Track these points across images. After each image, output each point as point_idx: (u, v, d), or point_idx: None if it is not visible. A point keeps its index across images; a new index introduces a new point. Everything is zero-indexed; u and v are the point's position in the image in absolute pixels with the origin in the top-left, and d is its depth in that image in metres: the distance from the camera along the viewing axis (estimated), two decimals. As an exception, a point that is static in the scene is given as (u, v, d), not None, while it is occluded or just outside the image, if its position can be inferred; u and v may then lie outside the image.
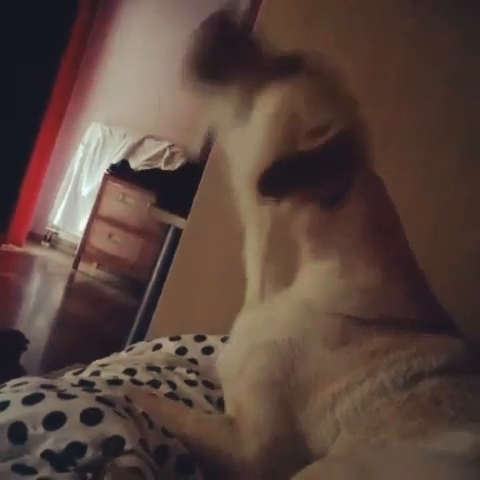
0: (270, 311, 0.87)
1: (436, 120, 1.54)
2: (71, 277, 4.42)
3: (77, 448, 0.60)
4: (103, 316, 3.76)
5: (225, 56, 0.88)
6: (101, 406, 0.64)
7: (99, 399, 0.66)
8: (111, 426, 0.62)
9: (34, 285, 4.12)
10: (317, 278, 0.84)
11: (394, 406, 0.71)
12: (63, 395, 0.65)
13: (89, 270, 4.61)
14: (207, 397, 0.99)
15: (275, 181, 0.82)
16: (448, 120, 1.52)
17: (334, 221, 0.83)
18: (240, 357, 0.85)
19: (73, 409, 0.63)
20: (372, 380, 0.74)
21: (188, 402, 0.94)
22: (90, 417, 0.63)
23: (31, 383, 0.69)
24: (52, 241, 4.97)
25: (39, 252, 4.75)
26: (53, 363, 2.47)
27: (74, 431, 0.61)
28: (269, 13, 1.63)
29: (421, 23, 1.56)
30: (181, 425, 0.80)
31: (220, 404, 0.98)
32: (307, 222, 0.84)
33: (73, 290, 4.31)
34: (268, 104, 0.86)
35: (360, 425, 0.72)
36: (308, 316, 0.82)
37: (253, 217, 0.91)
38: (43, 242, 4.95)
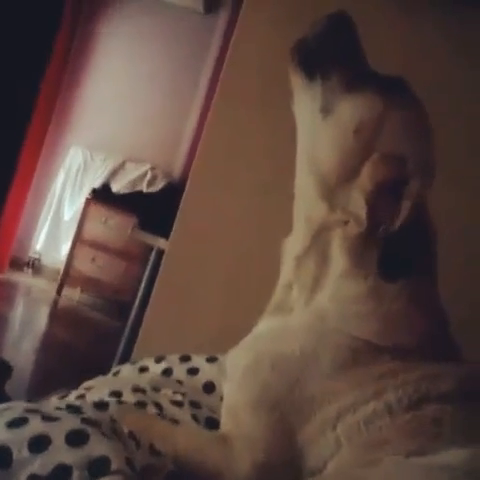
0: (286, 322, 0.86)
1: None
2: (55, 303, 4.38)
3: (63, 470, 0.60)
4: (89, 340, 3.72)
5: (333, 51, 0.88)
6: (86, 427, 0.64)
7: (84, 420, 0.66)
8: (97, 447, 0.62)
9: (18, 312, 4.07)
10: (341, 296, 0.83)
11: (396, 426, 0.72)
12: (47, 417, 0.65)
13: (73, 295, 4.57)
14: (194, 417, 0.98)
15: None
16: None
17: (376, 247, 0.81)
18: (246, 362, 0.84)
19: (58, 431, 0.63)
20: (378, 400, 0.74)
21: (175, 422, 0.94)
22: (75, 438, 0.62)
23: (15, 407, 0.69)
24: (35, 267, 4.92)
25: (22, 278, 4.70)
26: (39, 389, 2.44)
27: (60, 453, 0.61)
28: (246, 33, 1.66)
29: (410, 29, 1.59)
30: (173, 442, 0.80)
31: (208, 423, 0.98)
32: (351, 240, 0.83)
33: (57, 316, 4.26)
34: (358, 111, 0.84)
35: (361, 442, 0.72)
36: (321, 332, 0.81)
37: (304, 214, 0.89)
38: (25, 268, 4.90)
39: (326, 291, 0.84)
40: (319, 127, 0.86)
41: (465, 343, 0.86)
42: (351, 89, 0.85)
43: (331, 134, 0.85)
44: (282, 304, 0.90)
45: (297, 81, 0.90)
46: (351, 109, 0.85)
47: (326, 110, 0.86)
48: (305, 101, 0.89)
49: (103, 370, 1.25)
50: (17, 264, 4.85)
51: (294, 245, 0.90)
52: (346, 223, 0.84)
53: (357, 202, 0.82)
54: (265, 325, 0.90)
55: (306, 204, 0.89)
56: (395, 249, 0.80)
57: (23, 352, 3.20)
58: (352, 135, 0.83)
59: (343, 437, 0.73)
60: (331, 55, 0.88)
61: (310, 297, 0.86)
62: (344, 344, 0.79)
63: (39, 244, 4.87)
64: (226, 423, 0.84)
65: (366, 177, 0.82)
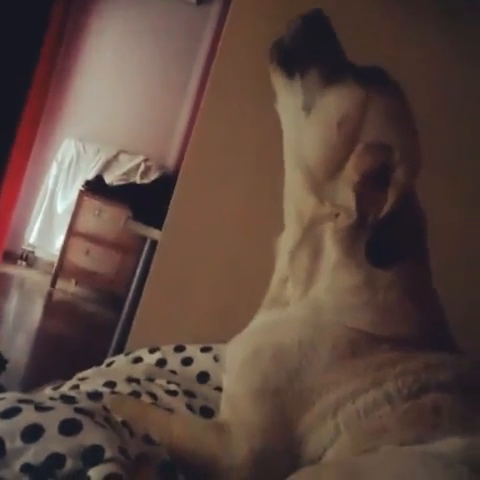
0: (283, 314, 0.86)
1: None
2: (49, 295, 4.37)
3: (56, 459, 0.60)
4: (83, 333, 3.72)
5: (309, 48, 0.89)
6: (79, 416, 0.64)
7: (77, 410, 0.66)
8: (90, 436, 0.62)
9: (12, 305, 4.06)
10: (336, 288, 0.83)
11: (396, 414, 0.73)
12: (40, 407, 0.65)
13: (67, 287, 4.56)
14: (189, 406, 0.99)
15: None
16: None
17: (367, 237, 0.81)
18: (244, 355, 0.84)
19: (51, 420, 0.63)
20: (378, 389, 0.75)
21: (170, 411, 0.94)
22: (68, 428, 0.63)
23: (8, 398, 0.69)
24: (29, 260, 4.91)
25: (15, 271, 4.69)
26: (34, 381, 2.44)
27: (53, 442, 0.61)
28: (236, 25, 1.65)
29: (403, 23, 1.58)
30: (169, 429, 0.80)
31: (202, 413, 0.98)
32: (342, 231, 0.83)
33: (52, 308, 4.26)
34: (340, 103, 0.85)
35: (360, 430, 0.73)
36: (318, 324, 0.82)
37: (295, 209, 0.90)
38: (19, 261, 4.89)
39: (321, 283, 0.85)
40: (303, 124, 0.87)
41: (465, 342, 0.87)
42: (331, 82, 0.86)
43: (315, 129, 0.86)
44: (278, 298, 0.90)
45: (278, 81, 0.92)
46: (333, 102, 0.86)
47: (308, 107, 0.87)
48: (287, 99, 0.90)
49: (97, 362, 1.25)
50: (11, 257, 4.84)
51: (287, 241, 0.91)
52: (336, 216, 0.84)
53: (346, 194, 0.83)
54: (261, 319, 0.91)
55: (296, 199, 0.90)
56: (382, 236, 0.80)
57: (17, 344, 3.20)
58: (336, 128, 0.84)
59: (342, 424, 0.74)
60: (308, 52, 0.89)
61: (305, 290, 0.86)
62: (341, 335, 0.80)
63: (32, 237, 4.85)
64: (224, 412, 0.85)
65: (352, 168, 0.83)
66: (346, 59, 0.91)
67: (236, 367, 0.85)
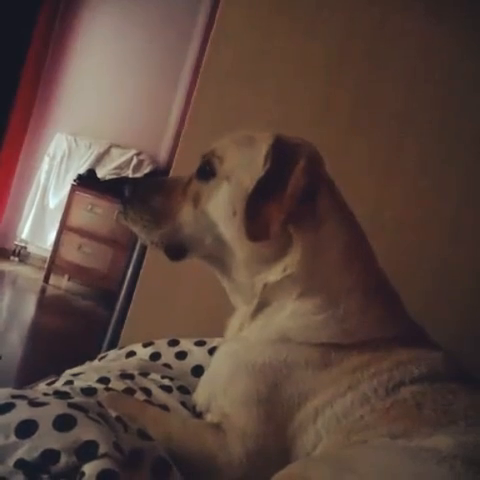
0: (249, 339, 0.89)
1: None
2: (42, 291, 4.35)
3: (51, 455, 0.60)
4: (76, 328, 3.71)
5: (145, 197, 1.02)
6: (73, 412, 0.64)
7: (71, 405, 0.66)
8: (84, 431, 0.62)
9: (5, 301, 4.05)
10: (299, 313, 0.86)
11: (378, 412, 0.76)
12: (34, 403, 0.65)
13: (60, 283, 4.55)
14: (183, 403, 0.99)
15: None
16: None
17: (317, 256, 0.87)
18: (223, 378, 0.87)
19: (45, 416, 0.63)
20: (355, 392, 0.78)
21: (164, 408, 0.94)
22: (63, 423, 0.62)
23: (2, 394, 0.69)
24: (21, 255, 4.89)
25: (8, 267, 4.67)
26: (28, 377, 2.43)
27: (47, 438, 0.61)
28: (228, 15, 1.64)
29: (385, 22, 1.59)
30: (166, 426, 0.82)
31: (196, 410, 0.98)
32: (297, 272, 0.86)
33: (45, 304, 4.24)
34: (217, 196, 0.93)
35: (342, 431, 0.76)
36: (288, 345, 0.85)
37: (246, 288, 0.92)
38: (12, 257, 4.87)
39: (282, 315, 0.88)
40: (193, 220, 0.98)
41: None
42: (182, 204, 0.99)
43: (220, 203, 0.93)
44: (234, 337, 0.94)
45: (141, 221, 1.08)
46: (213, 196, 0.94)
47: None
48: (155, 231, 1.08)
49: (91, 358, 1.24)
50: (3, 253, 4.82)
51: (241, 314, 0.94)
52: (285, 271, 0.87)
53: (283, 246, 0.87)
54: (227, 347, 0.94)
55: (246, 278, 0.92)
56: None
57: (11, 340, 3.19)
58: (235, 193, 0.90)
59: (323, 430, 0.78)
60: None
61: (266, 326, 0.89)
62: (311, 351, 0.83)
63: (25, 232, 4.82)
64: (213, 416, 0.87)
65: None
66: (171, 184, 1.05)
67: (220, 384, 0.87)
